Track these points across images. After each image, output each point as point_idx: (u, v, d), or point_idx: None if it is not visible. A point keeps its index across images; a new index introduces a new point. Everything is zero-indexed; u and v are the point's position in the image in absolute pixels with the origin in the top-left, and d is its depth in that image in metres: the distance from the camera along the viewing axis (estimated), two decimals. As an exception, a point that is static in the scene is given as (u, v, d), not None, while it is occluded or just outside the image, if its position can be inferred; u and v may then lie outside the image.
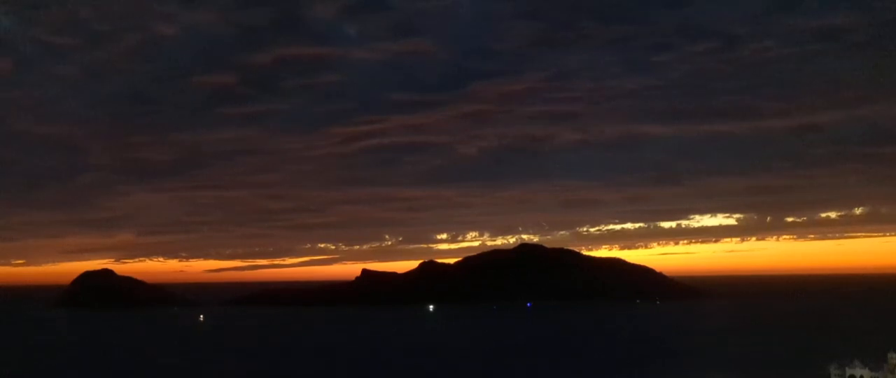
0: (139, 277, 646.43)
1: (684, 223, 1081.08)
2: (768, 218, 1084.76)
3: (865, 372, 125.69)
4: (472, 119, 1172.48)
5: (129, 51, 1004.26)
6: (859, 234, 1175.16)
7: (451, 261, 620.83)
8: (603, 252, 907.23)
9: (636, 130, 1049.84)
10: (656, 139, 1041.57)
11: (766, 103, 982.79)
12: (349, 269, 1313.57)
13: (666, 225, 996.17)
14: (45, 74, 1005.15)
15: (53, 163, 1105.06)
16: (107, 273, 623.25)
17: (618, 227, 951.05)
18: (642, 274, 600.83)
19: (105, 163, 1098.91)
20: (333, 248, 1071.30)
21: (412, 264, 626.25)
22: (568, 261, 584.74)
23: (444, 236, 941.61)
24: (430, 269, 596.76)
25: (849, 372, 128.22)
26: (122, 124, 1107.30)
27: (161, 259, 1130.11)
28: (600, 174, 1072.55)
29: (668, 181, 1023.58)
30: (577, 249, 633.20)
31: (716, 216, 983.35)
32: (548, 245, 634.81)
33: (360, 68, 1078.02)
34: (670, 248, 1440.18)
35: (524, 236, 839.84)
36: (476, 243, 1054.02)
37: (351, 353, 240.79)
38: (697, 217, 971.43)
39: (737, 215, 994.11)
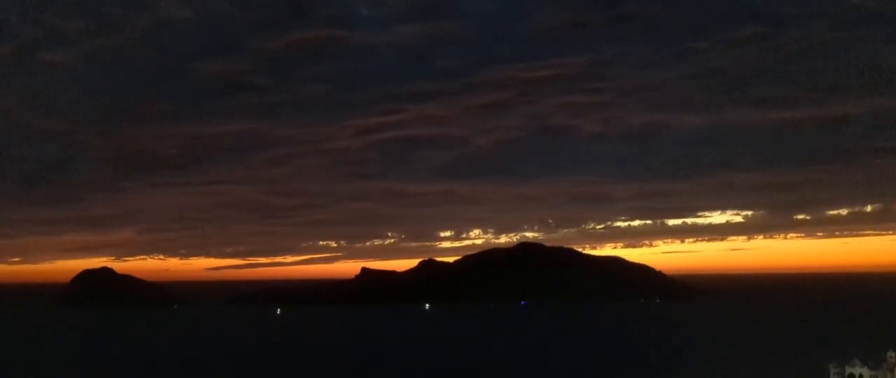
0: (138, 276, 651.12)
1: (691, 221, 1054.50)
2: (777, 215, 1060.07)
3: (865, 371, 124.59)
4: (491, 109, 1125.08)
5: (140, 36, 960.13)
6: (869, 232, 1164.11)
7: (452, 259, 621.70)
8: (607, 250, 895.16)
9: (658, 122, 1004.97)
10: (677, 132, 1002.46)
11: (802, 93, 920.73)
12: (350, 268, 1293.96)
13: (672, 222, 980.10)
14: (47, 62, 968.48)
15: (52, 157, 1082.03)
16: (106, 272, 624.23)
17: (624, 224, 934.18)
18: (642, 273, 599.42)
19: (105, 157, 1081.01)
20: (335, 245, 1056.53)
21: (413, 262, 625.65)
22: (567, 259, 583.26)
23: (447, 234, 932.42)
24: (429, 268, 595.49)
25: (848, 370, 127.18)
26: (123, 116, 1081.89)
27: (161, 257, 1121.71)
28: (614, 169, 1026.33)
29: (681, 176, 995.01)
30: (580, 247, 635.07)
31: (725, 213, 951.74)
32: (553, 243, 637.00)
33: (377, 54, 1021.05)
34: (675, 246, 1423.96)
35: (528, 234, 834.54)
36: (480, 241, 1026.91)
37: (336, 356, 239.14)
38: (706, 214, 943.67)
39: (745, 212, 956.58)
